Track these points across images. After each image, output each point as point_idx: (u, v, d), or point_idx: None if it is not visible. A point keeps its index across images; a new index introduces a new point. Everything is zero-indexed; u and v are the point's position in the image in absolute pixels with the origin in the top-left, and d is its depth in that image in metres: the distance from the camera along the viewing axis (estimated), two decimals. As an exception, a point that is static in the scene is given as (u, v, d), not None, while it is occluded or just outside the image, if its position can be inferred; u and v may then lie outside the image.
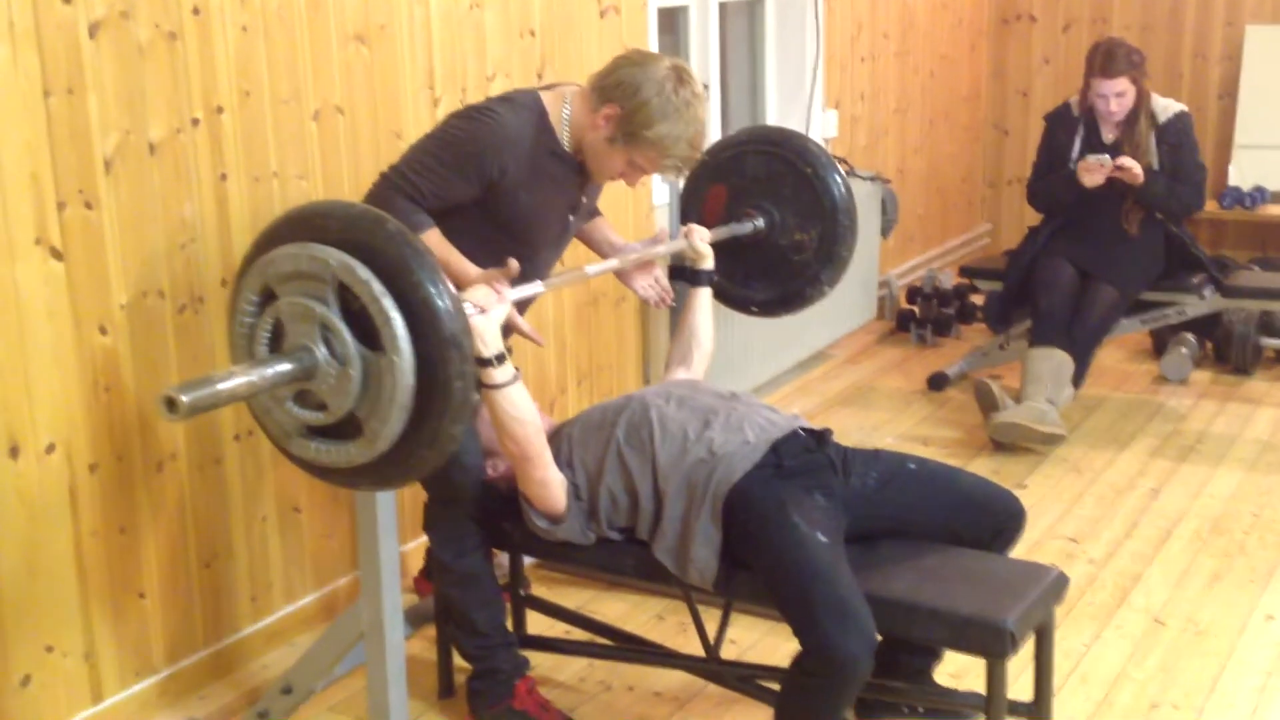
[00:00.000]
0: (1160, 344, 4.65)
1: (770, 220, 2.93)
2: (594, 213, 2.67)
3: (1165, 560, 3.16)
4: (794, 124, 4.75)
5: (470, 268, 2.32)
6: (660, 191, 3.78)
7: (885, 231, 4.89)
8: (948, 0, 5.59)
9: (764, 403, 2.42)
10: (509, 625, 2.56)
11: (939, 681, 2.44)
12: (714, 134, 4.38)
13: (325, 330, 1.77)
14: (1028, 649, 2.16)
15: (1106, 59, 3.93)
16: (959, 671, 2.58)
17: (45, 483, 2.32)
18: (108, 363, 2.39)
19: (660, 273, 2.75)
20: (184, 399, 1.62)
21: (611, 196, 3.58)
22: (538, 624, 2.73)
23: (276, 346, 1.82)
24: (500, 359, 2.12)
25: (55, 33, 2.23)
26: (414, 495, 3.05)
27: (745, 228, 2.92)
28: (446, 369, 1.75)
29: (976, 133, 6.06)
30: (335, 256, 1.75)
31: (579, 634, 2.68)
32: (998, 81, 6.10)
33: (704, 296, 2.71)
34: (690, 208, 3.04)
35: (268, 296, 1.84)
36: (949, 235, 5.90)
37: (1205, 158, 4.25)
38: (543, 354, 3.45)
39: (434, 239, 2.33)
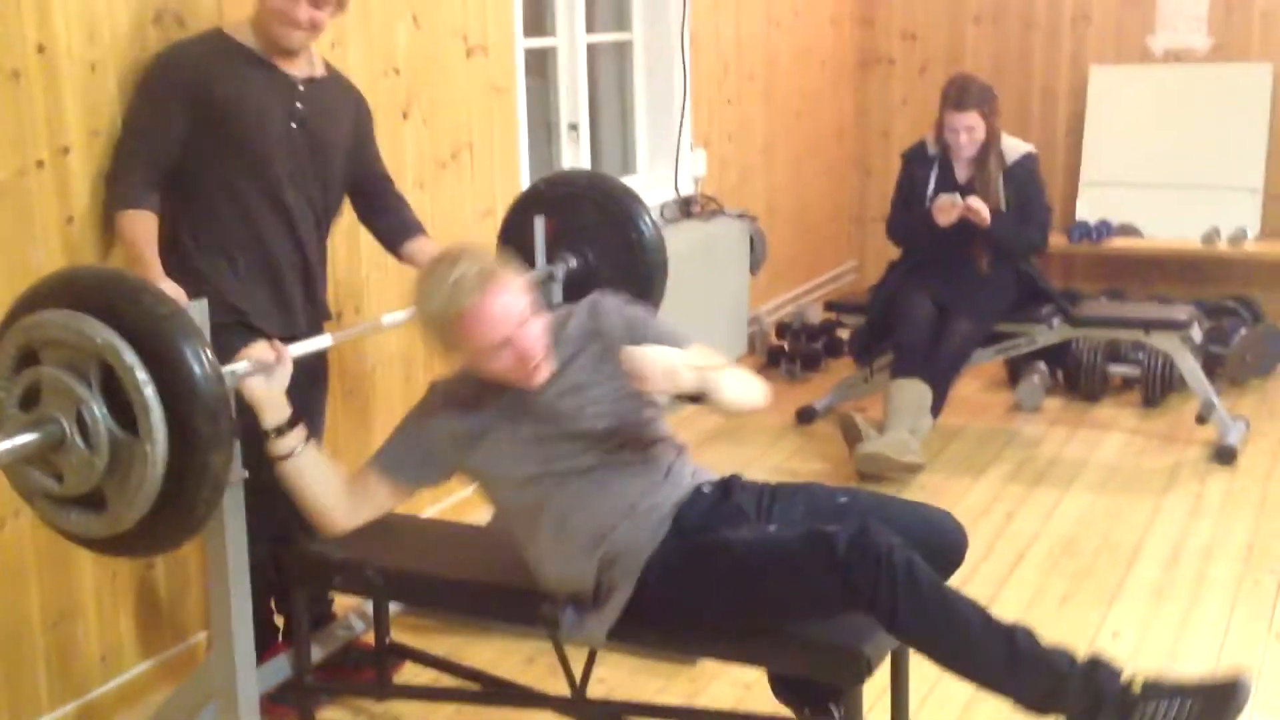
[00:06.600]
0: (1015, 374, 4.84)
1: (585, 265, 2.86)
2: (328, 144, 2.64)
3: (1018, 582, 3.28)
4: (663, 163, 4.83)
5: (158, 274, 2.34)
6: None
7: (754, 268, 5.00)
8: (811, 44, 5.77)
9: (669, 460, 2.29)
10: (372, 675, 2.52)
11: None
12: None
13: (81, 411, 1.73)
14: (884, 674, 2.22)
15: (960, 93, 4.13)
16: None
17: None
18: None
19: None
20: None
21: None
22: (404, 672, 2.69)
23: (29, 403, 1.76)
24: (279, 431, 2.04)
25: (-113, 75, 2.16)
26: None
27: (557, 269, 2.85)
28: (205, 453, 1.72)
29: (842, 171, 6.24)
30: (103, 335, 1.71)
31: (448, 680, 2.66)
32: (860, 122, 6.30)
33: None
34: (514, 235, 2.90)
35: (29, 356, 1.78)
36: (817, 272, 6.05)
37: (1054, 193, 4.46)
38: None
39: (143, 226, 2.39)
